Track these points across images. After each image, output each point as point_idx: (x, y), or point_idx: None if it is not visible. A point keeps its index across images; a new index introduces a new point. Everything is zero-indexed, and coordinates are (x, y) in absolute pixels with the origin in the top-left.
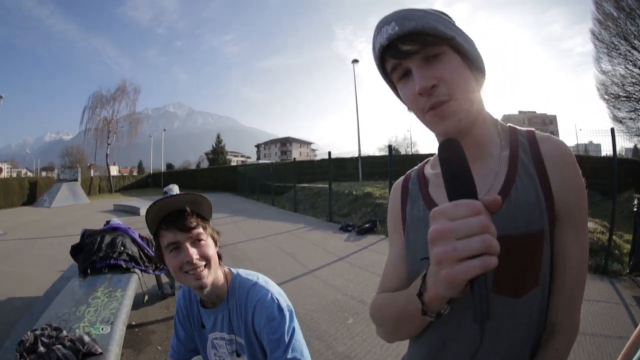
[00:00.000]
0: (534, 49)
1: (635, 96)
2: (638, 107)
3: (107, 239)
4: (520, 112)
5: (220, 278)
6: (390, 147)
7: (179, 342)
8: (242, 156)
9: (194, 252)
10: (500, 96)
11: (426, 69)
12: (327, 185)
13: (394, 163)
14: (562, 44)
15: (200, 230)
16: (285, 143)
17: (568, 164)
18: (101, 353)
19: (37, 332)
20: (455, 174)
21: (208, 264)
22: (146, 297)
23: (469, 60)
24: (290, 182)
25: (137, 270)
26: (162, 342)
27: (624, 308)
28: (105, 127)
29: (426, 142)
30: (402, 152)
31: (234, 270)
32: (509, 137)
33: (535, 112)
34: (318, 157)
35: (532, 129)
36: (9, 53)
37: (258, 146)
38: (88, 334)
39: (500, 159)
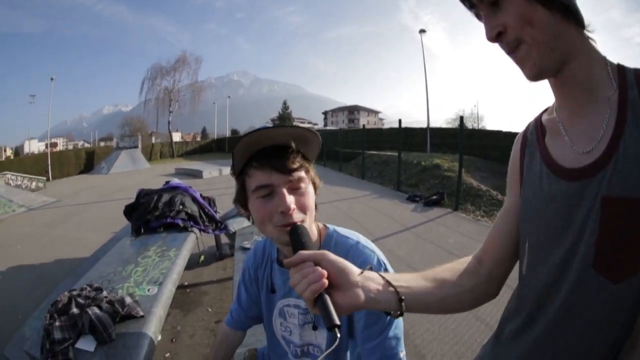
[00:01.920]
0: (597, 36)
1: None
2: None
3: (165, 197)
4: None
5: (314, 233)
6: (461, 118)
7: (240, 308)
8: (308, 123)
9: (291, 200)
10: None
11: (492, 16)
12: (395, 154)
13: (463, 136)
14: (621, 32)
15: (303, 174)
16: (352, 111)
17: None
18: (142, 316)
19: (74, 293)
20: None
21: (305, 217)
22: (202, 258)
23: None
24: (358, 149)
25: (196, 230)
26: (213, 304)
27: None
28: (167, 96)
29: (493, 117)
30: (469, 126)
31: (329, 226)
32: (617, 77)
33: None
34: (386, 126)
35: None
36: (60, 42)
37: (325, 113)
38: (131, 295)
39: (608, 102)
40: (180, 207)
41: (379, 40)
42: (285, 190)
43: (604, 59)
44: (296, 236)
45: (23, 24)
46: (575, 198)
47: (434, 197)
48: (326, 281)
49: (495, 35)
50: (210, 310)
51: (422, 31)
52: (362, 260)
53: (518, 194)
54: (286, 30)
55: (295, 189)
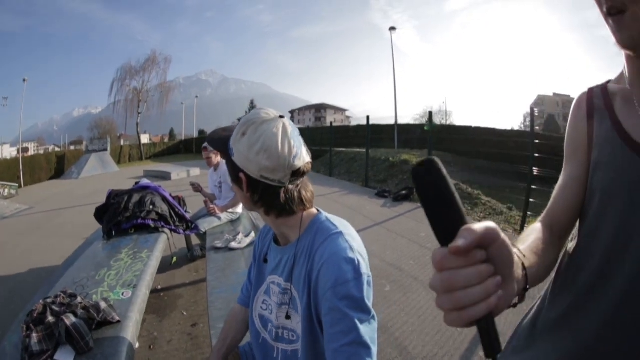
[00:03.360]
0: (570, 35)
1: None
2: None
3: (135, 197)
4: (555, 94)
5: (296, 220)
6: (430, 114)
7: (250, 284)
8: None
9: None
10: (536, 77)
11: None
12: (363, 150)
13: (431, 132)
14: (597, 31)
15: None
16: (319, 109)
17: None
18: (119, 321)
19: (49, 301)
20: (438, 204)
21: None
22: (174, 259)
23: None
24: (326, 146)
25: (167, 230)
26: (188, 307)
27: None
28: (136, 97)
29: (461, 113)
30: (437, 122)
31: (322, 212)
32: None
33: (569, 95)
34: (353, 124)
35: None
36: (33, 40)
37: (292, 112)
38: (105, 299)
39: None
40: (151, 207)
41: (348, 39)
42: None
43: None
44: (438, 182)
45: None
46: None
47: (403, 192)
48: (502, 292)
49: None
50: (185, 314)
51: (392, 29)
52: (335, 252)
53: (584, 161)
54: (255, 29)
55: None
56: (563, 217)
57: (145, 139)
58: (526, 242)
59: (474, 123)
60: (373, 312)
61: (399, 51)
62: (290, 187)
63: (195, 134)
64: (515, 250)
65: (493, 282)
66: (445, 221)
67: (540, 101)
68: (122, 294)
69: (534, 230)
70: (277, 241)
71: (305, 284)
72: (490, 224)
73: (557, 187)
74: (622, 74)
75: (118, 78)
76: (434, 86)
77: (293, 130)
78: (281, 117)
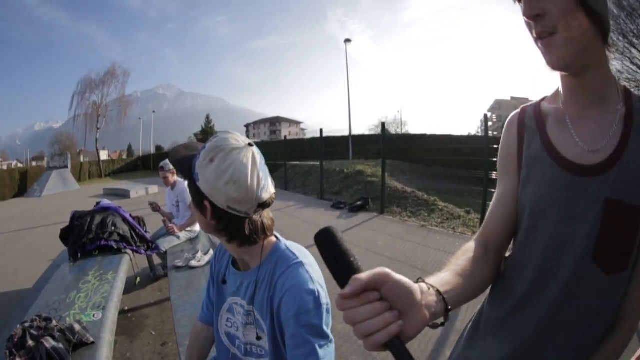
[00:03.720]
0: (528, 38)
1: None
2: None
3: (97, 219)
4: (512, 98)
5: (257, 248)
6: (383, 125)
7: (209, 301)
8: None
9: None
10: (493, 82)
11: None
12: (317, 163)
13: (385, 141)
14: None
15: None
16: (274, 122)
17: None
18: (93, 342)
19: (27, 325)
20: (334, 263)
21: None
22: (138, 280)
23: (585, 2)
24: (280, 160)
25: (129, 251)
26: (156, 326)
27: None
28: (95, 111)
29: (416, 122)
30: (393, 131)
31: (281, 240)
32: (623, 97)
33: (527, 98)
34: (308, 137)
35: None
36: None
37: (247, 126)
38: (79, 321)
39: (617, 115)
40: (113, 228)
41: (304, 50)
42: None
43: (615, 78)
44: (331, 246)
45: None
46: (577, 192)
47: (359, 202)
48: (401, 321)
49: (534, 15)
50: (154, 333)
51: (347, 41)
52: (296, 282)
53: (515, 178)
54: (214, 41)
55: None
56: (497, 233)
57: (104, 155)
58: (452, 266)
59: (431, 131)
60: (331, 336)
61: (355, 62)
62: (255, 217)
63: (153, 150)
64: (421, 283)
65: (390, 314)
66: (340, 272)
67: (498, 105)
68: (93, 315)
69: (465, 251)
70: (236, 264)
71: (267, 309)
72: (380, 270)
73: (491, 204)
74: (557, 92)
75: (78, 91)
76: (389, 96)
77: (261, 160)
78: (250, 145)
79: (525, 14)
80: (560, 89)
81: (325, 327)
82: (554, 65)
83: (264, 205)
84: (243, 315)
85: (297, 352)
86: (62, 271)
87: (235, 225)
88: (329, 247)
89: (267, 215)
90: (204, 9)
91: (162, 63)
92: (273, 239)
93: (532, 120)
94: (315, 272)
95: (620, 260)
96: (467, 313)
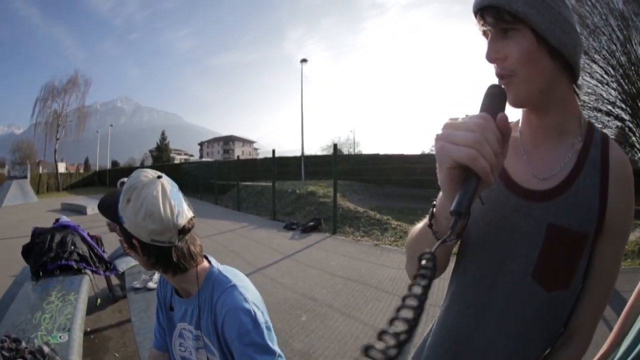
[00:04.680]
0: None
1: (589, 105)
2: (591, 115)
3: (57, 237)
4: (467, 115)
5: (192, 273)
6: (335, 146)
7: (160, 328)
8: (185, 154)
9: None
10: (447, 100)
11: (497, 41)
12: (269, 184)
13: (337, 162)
14: None
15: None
16: (228, 141)
17: (629, 179)
18: None
19: None
20: (487, 101)
21: None
22: (99, 301)
23: (547, 43)
24: (233, 180)
25: (88, 271)
26: (119, 348)
27: None
28: (55, 120)
29: (369, 142)
30: (345, 152)
31: (214, 263)
32: (585, 131)
33: None
34: (260, 156)
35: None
36: None
37: (201, 144)
38: (47, 343)
39: (573, 149)
40: (72, 247)
41: (261, 69)
42: None
43: (580, 113)
44: (500, 98)
45: None
46: (521, 214)
47: (311, 223)
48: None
49: (494, 59)
50: (117, 355)
51: (303, 60)
52: (232, 306)
53: None
54: (174, 56)
55: None
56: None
57: (62, 167)
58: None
59: (384, 151)
60: (278, 351)
61: (310, 82)
62: (180, 245)
63: (109, 165)
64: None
65: (482, 139)
66: (494, 105)
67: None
68: (60, 337)
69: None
70: (178, 292)
71: (213, 333)
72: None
73: None
74: (518, 121)
75: (41, 97)
76: (343, 116)
77: (172, 188)
78: (159, 177)
79: (487, 58)
80: (520, 121)
81: (269, 343)
82: (512, 104)
83: (183, 230)
84: (193, 340)
85: None
86: (26, 290)
87: (163, 256)
88: (498, 96)
89: (194, 242)
90: (169, 21)
91: (123, 75)
92: (206, 264)
93: None
94: (250, 293)
95: (561, 280)
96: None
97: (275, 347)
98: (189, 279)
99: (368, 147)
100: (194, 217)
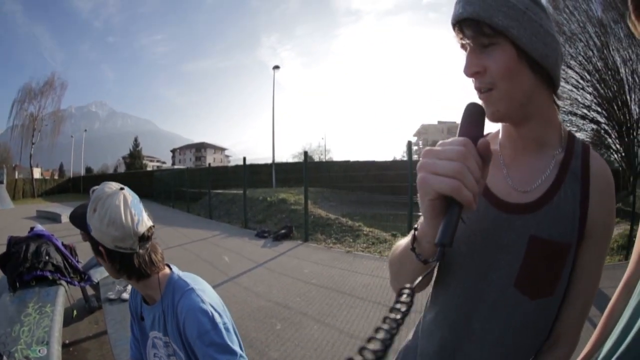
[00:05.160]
0: (454, 56)
1: (564, 109)
2: (566, 119)
3: (32, 247)
4: (439, 122)
5: (154, 280)
6: (305, 153)
7: (135, 339)
8: (157, 161)
9: None
10: (419, 107)
11: (476, 55)
12: (241, 192)
13: (308, 170)
14: None
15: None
16: (200, 148)
17: (609, 188)
18: None
19: None
20: (467, 122)
21: None
22: (75, 313)
23: (529, 56)
24: (205, 188)
25: (64, 282)
26: None
27: None
28: (31, 124)
29: (340, 149)
30: (316, 159)
31: (174, 270)
32: (566, 143)
33: (455, 122)
34: (232, 163)
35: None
36: None
37: (173, 151)
38: (27, 357)
39: (554, 161)
40: (47, 257)
41: (234, 75)
42: None
43: (560, 124)
44: (479, 118)
45: None
46: (502, 226)
47: (282, 231)
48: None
49: (473, 73)
50: None
51: (275, 67)
52: (190, 308)
53: None
54: (149, 61)
55: None
56: None
57: (37, 172)
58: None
59: (355, 157)
60: (239, 352)
61: (283, 89)
62: (141, 252)
63: (83, 172)
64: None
65: (464, 169)
66: (471, 127)
67: (424, 130)
68: (39, 351)
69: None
70: (146, 300)
71: (178, 337)
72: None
73: None
74: (498, 132)
75: (19, 99)
76: (315, 123)
77: (133, 199)
78: (122, 189)
79: (465, 72)
80: (500, 133)
81: (229, 343)
82: (491, 118)
83: (143, 238)
84: (164, 347)
85: None
86: (4, 301)
87: (126, 262)
88: (477, 116)
89: (155, 250)
90: (145, 24)
91: (98, 79)
92: (167, 271)
93: None
94: (207, 295)
95: (545, 288)
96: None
97: (236, 348)
98: (152, 285)
99: (339, 153)
100: (153, 225)
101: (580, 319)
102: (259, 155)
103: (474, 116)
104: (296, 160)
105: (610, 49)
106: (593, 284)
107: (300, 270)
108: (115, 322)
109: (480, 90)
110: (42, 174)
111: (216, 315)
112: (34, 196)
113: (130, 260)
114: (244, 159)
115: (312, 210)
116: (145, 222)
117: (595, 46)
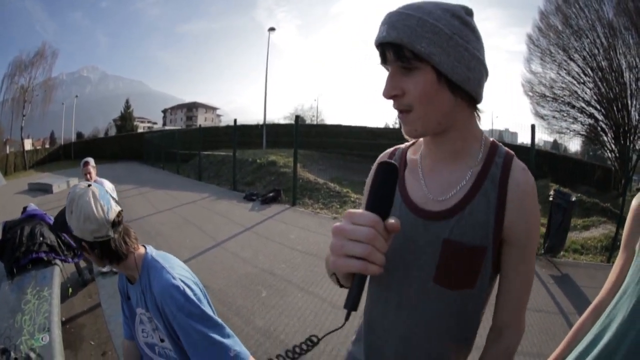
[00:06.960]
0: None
1: (562, 99)
2: (563, 109)
3: (27, 230)
4: None
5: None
6: (297, 117)
7: (126, 318)
8: (148, 122)
9: None
10: None
11: (397, 78)
12: (231, 153)
13: (299, 133)
14: (491, 39)
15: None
16: (191, 108)
17: (529, 197)
18: None
19: None
20: (379, 193)
21: None
22: (70, 290)
23: (450, 81)
24: (195, 149)
25: (58, 261)
26: (93, 336)
27: (541, 285)
28: (22, 96)
29: (333, 112)
30: (308, 121)
31: (148, 250)
32: (487, 154)
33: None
34: (223, 123)
35: (512, 152)
36: None
37: (165, 111)
38: (32, 349)
39: (471, 172)
40: (41, 239)
41: (230, 36)
42: None
43: (481, 134)
44: (390, 182)
45: None
46: (419, 230)
47: (271, 194)
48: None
49: (392, 96)
50: (93, 343)
51: (271, 29)
52: (163, 285)
53: None
54: (144, 23)
55: None
56: None
57: (28, 144)
58: None
59: (347, 122)
60: (217, 320)
61: (278, 50)
62: (116, 236)
63: (74, 137)
64: None
65: (373, 250)
66: (379, 203)
67: None
68: (42, 338)
69: None
70: (130, 280)
71: (158, 313)
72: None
73: None
74: (421, 142)
75: (9, 74)
76: (309, 85)
77: (100, 191)
78: (89, 186)
79: (383, 94)
80: (422, 144)
81: (207, 311)
82: (409, 136)
83: (115, 223)
84: (148, 322)
85: (193, 339)
86: (4, 291)
87: (105, 248)
88: (387, 179)
89: (128, 233)
90: None
91: (91, 44)
92: (142, 251)
93: (397, 163)
94: (177, 272)
95: (464, 282)
96: None
97: (212, 314)
98: (130, 265)
99: (331, 117)
100: (121, 210)
101: (519, 308)
102: (252, 115)
103: (385, 182)
104: (287, 122)
105: (617, 52)
106: (523, 278)
107: (287, 235)
108: (108, 296)
109: (400, 110)
110: (33, 145)
111: (187, 289)
112: (25, 168)
113: (108, 245)
114: (235, 120)
115: (301, 174)
116: (113, 208)
117: (602, 46)
